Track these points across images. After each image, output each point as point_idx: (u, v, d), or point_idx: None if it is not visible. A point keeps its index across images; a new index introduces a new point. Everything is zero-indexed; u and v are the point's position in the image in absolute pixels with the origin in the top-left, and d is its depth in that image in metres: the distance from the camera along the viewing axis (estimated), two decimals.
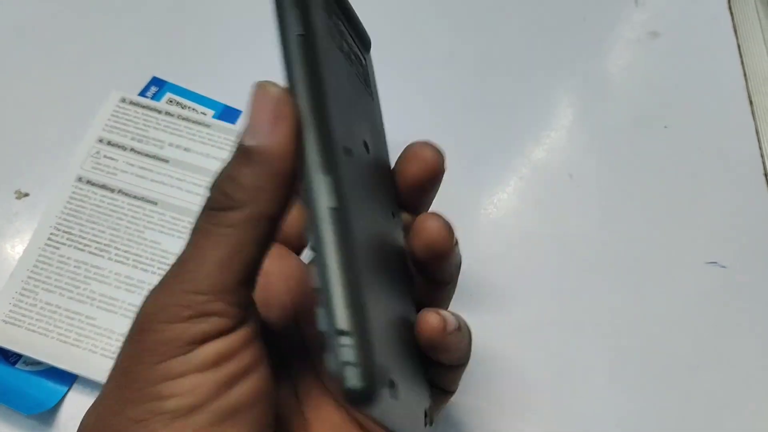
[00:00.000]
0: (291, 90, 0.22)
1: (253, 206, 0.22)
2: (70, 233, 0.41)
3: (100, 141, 0.44)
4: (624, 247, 0.42)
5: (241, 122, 0.45)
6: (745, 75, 0.47)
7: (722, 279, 0.41)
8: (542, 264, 0.40)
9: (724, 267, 0.41)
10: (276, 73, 0.47)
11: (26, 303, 0.39)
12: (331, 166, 0.21)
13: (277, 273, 0.29)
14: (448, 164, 0.26)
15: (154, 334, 0.22)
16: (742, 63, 0.48)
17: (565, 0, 0.50)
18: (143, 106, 0.45)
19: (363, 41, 0.29)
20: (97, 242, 0.41)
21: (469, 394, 0.37)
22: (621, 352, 0.39)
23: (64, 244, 0.41)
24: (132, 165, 0.43)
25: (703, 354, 0.39)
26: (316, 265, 0.20)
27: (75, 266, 0.40)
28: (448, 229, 0.25)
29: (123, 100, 0.45)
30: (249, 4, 0.50)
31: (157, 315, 0.23)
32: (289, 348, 0.28)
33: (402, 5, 0.49)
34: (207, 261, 0.22)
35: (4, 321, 0.38)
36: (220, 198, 0.23)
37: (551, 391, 0.38)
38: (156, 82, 0.46)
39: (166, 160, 0.43)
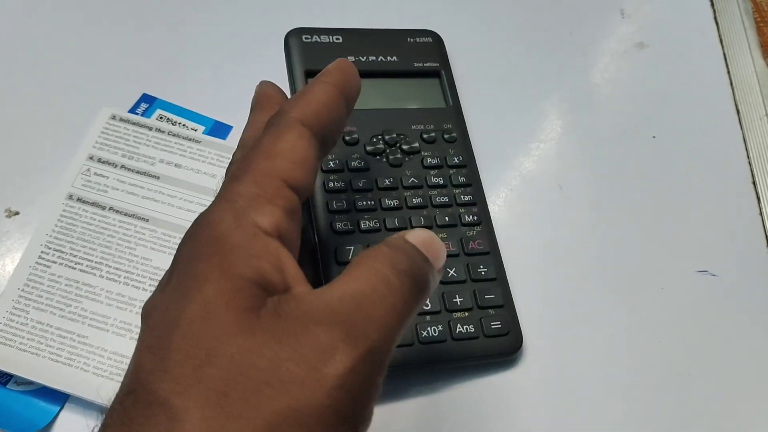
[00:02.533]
0: None
1: None
2: (61, 251, 0.41)
3: (91, 158, 0.44)
4: (615, 257, 0.42)
5: (231, 138, 0.45)
6: (731, 84, 0.48)
7: (713, 287, 0.41)
8: (533, 274, 0.40)
9: (714, 275, 0.41)
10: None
11: (17, 322, 0.39)
12: None
13: None
14: None
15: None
16: (729, 72, 0.48)
17: (552, 14, 0.51)
18: (133, 123, 0.45)
19: None
20: (89, 260, 0.41)
21: (457, 404, 0.38)
22: (613, 360, 0.39)
23: (55, 262, 0.41)
24: (123, 182, 0.43)
25: (696, 361, 0.39)
26: None
27: (66, 284, 0.40)
28: None
29: (113, 117, 0.45)
30: (238, 21, 0.50)
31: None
32: None
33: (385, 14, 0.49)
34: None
35: None
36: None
37: (544, 400, 0.38)
38: (146, 98, 0.46)
39: (157, 177, 0.43)
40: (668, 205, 0.44)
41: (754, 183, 0.44)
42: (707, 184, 0.44)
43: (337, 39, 0.45)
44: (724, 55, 0.49)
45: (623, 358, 0.39)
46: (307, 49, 0.44)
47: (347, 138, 0.42)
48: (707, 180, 0.44)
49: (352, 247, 0.39)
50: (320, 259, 0.39)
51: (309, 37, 0.45)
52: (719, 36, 0.50)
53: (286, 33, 0.45)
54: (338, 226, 0.39)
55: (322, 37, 0.45)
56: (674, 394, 0.38)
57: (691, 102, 0.47)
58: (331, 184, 0.41)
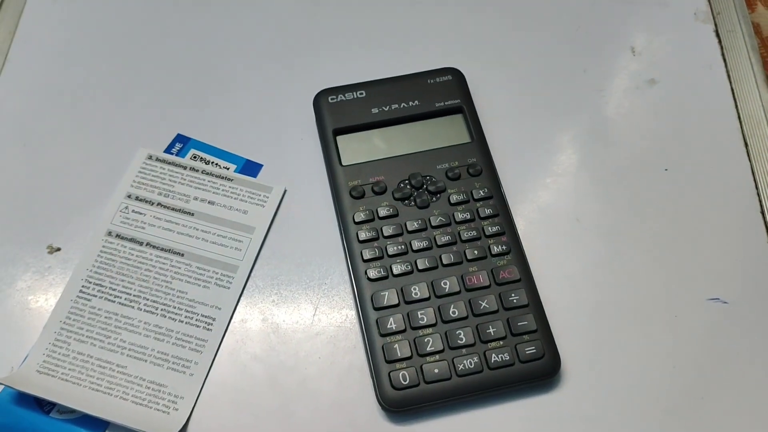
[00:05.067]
0: None
1: None
2: (101, 285, 0.43)
3: (129, 197, 0.46)
4: (630, 286, 0.43)
5: (262, 175, 0.47)
6: (739, 118, 0.49)
7: (725, 314, 0.42)
8: (552, 305, 0.42)
9: (725, 303, 0.43)
10: (290, 131, 0.49)
11: (59, 353, 0.41)
12: None
13: None
14: None
15: None
16: (737, 107, 0.50)
17: (566, 53, 0.52)
18: (169, 163, 0.47)
19: None
20: (127, 293, 0.43)
21: (498, 429, 0.39)
22: (630, 386, 0.40)
23: (95, 295, 0.43)
24: (159, 219, 0.45)
25: (709, 387, 0.40)
26: None
27: (106, 317, 0.42)
28: None
29: (150, 157, 0.47)
30: (267, 63, 0.52)
31: None
32: None
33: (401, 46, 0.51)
34: None
35: (38, 371, 0.40)
36: None
37: (559, 427, 0.39)
38: (180, 139, 0.48)
39: (191, 213, 0.45)
40: (680, 235, 0.45)
41: (762, 213, 0.45)
42: (717, 215, 0.46)
43: (361, 94, 0.47)
44: (732, 90, 0.50)
45: (639, 385, 0.40)
46: (334, 109, 0.47)
47: (375, 188, 0.44)
48: (717, 210, 0.46)
49: (387, 292, 0.41)
50: (358, 307, 0.41)
51: (335, 97, 0.47)
52: (727, 72, 0.51)
53: (315, 94, 0.48)
54: (372, 273, 0.41)
55: (347, 95, 0.47)
56: (688, 418, 0.39)
57: (701, 136, 0.49)
58: (363, 235, 0.43)
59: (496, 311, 0.41)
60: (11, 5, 0.55)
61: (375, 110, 0.47)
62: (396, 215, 0.43)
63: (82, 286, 0.43)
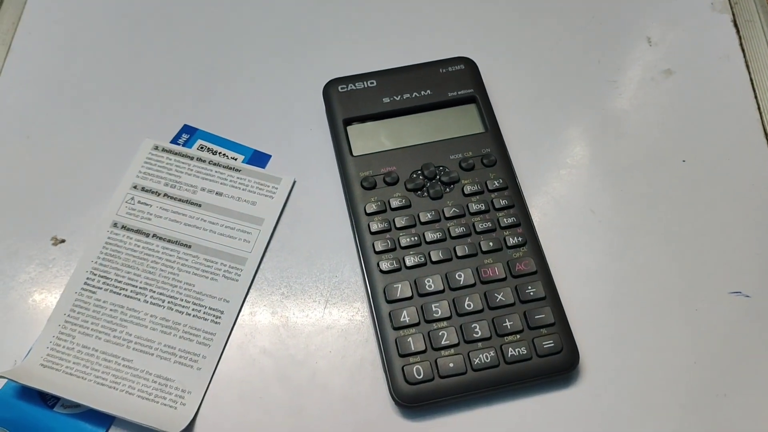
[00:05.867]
0: None
1: None
2: (107, 277, 0.42)
3: (135, 187, 0.45)
4: (648, 280, 0.42)
5: (270, 166, 0.46)
6: (759, 109, 0.48)
7: (746, 308, 0.41)
8: (569, 298, 0.41)
9: (748, 296, 0.42)
10: (299, 121, 0.49)
11: (64, 347, 0.40)
12: None
13: None
14: None
15: None
16: (756, 97, 0.49)
17: (580, 43, 0.51)
18: (176, 153, 0.46)
19: None
20: (133, 285, 0.42)
21: (515, 424, 0.38)
22: (650, 381, 0.39)
23: (100, 288, 0.42)
24: (165, 210, 0.44)
25: (731, 382, 0.39)
26: None
27: (111, 309, 0.41)
28: None
29: (156, 148, 0.46)
30: (275, 53, 0.51)
31: None
32: None
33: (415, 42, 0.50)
34: None
35: (42, 365, 0.39)
36: None
37: (577, 423, 0.38)
38: (187, 129, 0.48)
39: (198, 204, 0.45)
40: (700, 228, 0.44)
41: None
42: (737, 206, 0.45)
43: (371, 83, 0.46)
44: (751, 80, 0.49)
45: (659, 379, 0.39)
46: (344, 99, 0.46)
47: (387, 179, 0.43)
48: (737, 202, 0.45)
49: (400, 285, 0.40)
50: (370, 300, 0.40)
51: (345, 86, 0.46)
52: (746, 62, 0.50)
53: (324, 84, 0.47)
54: (384, 266, 0.41)
55: (357, 84, 0.46)
56: (709, 414, 0.38)
57: (719, 127, 0.48)
58: (375, 226, 0.42)
59: (513, 304, 0.40)
60: None
61: (386, 100, 0.46)
62: (409, 206, 0.42)
63: (87, 278, 0.42)
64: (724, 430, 0.38)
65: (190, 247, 0.43)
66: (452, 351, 0.38)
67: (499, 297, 0.40)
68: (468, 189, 0.43)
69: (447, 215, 0.42)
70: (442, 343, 0.39)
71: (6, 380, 0.39)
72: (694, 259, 0.43)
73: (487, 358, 0.38)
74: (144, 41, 0.52)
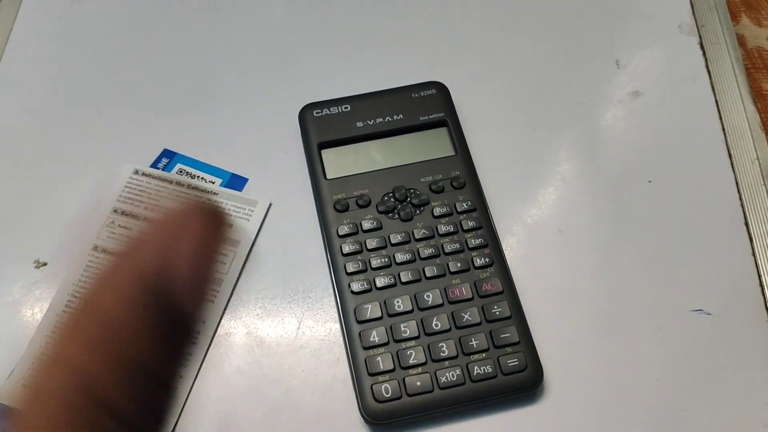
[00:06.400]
0: None
1: None
2: None
3: (115, 211, 0.46)
4: (613, 298, 0.43)
5: (247, 189, 0.47)
6: (723, 130, 0.49)
7: (708, 325, 0.42)
8: (535, 317, 0.42)
9: (709, 314, 0.43)
10: (275, 145, 0.50)
11: None
12: None
13: None
14: None
15: None
16: (721, 119, 0.50)
17: (551, 66, 0.53)
18: (155, 177, 0.48)
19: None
20: None
21: None
22: (613, 398, 0.40)
23: None
24: None
25: (692, 398, 0.40)
26: None
27: None
28: None
29: (136, 172, 0.48)
30: (252, 78, 0.53)
31: None
32: None
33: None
34: None
35: (24, 386, 0.40)
36: None
37: None
38: (167, 153, 0.49)
39: None
40: (664, 247, 0.45)
41: (746, 224, 0.46)
42: (701, 226, 0.46)
43: (346, 108, 0.48)
44: (716, 101, 0.51)
45: (623, 395, 0.40)
46: (319, 123, 0.47)
47: (359, 202, 0.44)
48: (701, 222, 0.46)
49: (370, 306, 0.41)
50: (342, 320, 0.41)
51: (320, 111, 0.48)
52: (711, 84, 0.52)
53: (300, 108, 0.48)
54: (355, 287, 0.42)
55: (332, 108, 0.48)
56: (671, 430, 0.40)
57: (685, 147, 0.49)
58: (347, 248, 0.43)
59: (479, 323, 0.41)
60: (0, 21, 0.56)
61: (360, 124, 0.47)
62: (380, 228, 0.44)
63: (68, 301, 0.43)
64: None
65: None
66: (420, 370, 0.40)
67: (466, 317, 0.41)
68: (437, 211, 0.44)
69: (417, 237, 0.43)
70: (410, 362, 0.40)
71: None
72: (658, 278, 0.44)
73: (453, 377, 0.39)
74: (125, 67, 0.53)
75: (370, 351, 0.40)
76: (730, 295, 0.43)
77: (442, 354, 0.40)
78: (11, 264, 0.45)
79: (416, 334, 0.41)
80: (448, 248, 0.43)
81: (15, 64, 0.54)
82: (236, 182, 0.48)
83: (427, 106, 0.48)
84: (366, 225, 0.44)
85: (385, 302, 0.41)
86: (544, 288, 0.44)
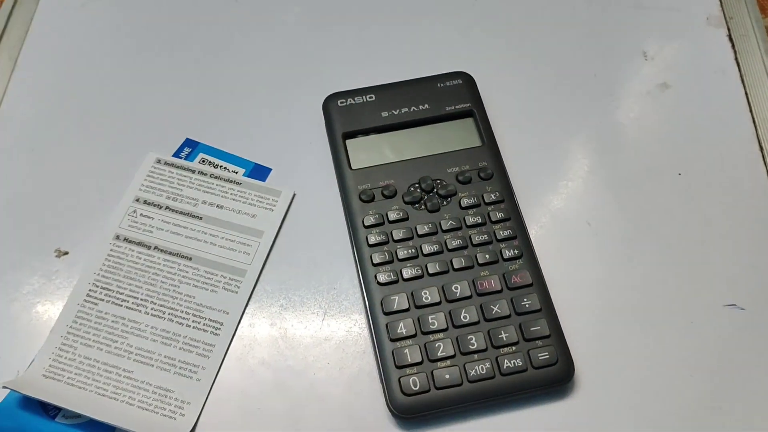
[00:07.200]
0: None
1: None
2: (108, 289, 0.43)
3: (137, 200, 0.46)
4: (644, 292, 0.43)
5: (270, 179, 0.47)
6: (754, 122, 0.49)
7: (741, 321, 0.41)
8: (565, 310, 0.41)
9: (742, 309, 0.42)
10: (299, 135, 0.49)
11: (66, 358, 0.40)
12: None
13: None
14: None
15: None
16: (751, 111, 0.49)
17: (577, 57, 0.52)
18: (177, 167, 0.47)
19: None
20: (134, 297, 0.42)
21: None
22: (644, 395, 0.40)
23: (102, 299, 0.42)
24: (167, 222, 0.45)
25: (725, 395, 0.39)
26: None
27: (113, 321, 0.42)
28: None
29: (158, 161, 0.47)
30: (276, 68, 0.52)
31: None
32: None
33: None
34: None
35: (44, 375, 0.40)
36: None
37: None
38: (189, 143, 0.48)
39: (199, 217, 0.45)
40: (695, 241, 0.44)
41: None
42: (732, 219, 0.45)
43: (370, 98, 0.47)
44: (746, 94, 0.50)
45: (654, 392, 0.40)
46: (344, 113, 0.47)
47: (385, 192, 0.43)
48: (732, 215, 0.45)
49: (397, 297, 0.40)
50: (368, 311, 0.40)
51: (344, 101, 0.47)
52: (741, 76, 0.51)
53: (324, 98, 0.48)
54: (381, 278, 0.41)
55: (356, 98, 0.47)
56: (704, 427, 0.39)
57: (715, 140, 0.48)
58: (373, 239, 0.42)
59: (508, 316, 0.40)
60: (22, 11, 0.56)
61: (385, 114, 0.46)
62: (406, 219, 0.43)
63: (89, 290, 0.43)
64: None
65: (190, 259, 0.44)
66: (448, 363, 0.39)
67: (495, 309, 0.40)
68: (465, 202, 0.43)
69: (444, 228, 0.43)
70: (439, 354, 0.39)
71: (9, 390, 0.39)
72: (689, 272, 0.43)
73: (483, 370, 0.39)
74: (147, 57, 0.53)
75: (398, 343, 0.39)
76: (763, 290, 0.42)
77: (471, 347, 0.39)
78: (32, 253, 0.44)
79: (444, 326, 0.40)
80: (476, 239, 0.42)
81: (36, 54, 0.53)
82: (260, 172, 0.47)
83: (453, 97, 0.47)
84: (392, 216, 0.43)
85: (412, 294, 0.41)
86: (573, 281, 0.43)
